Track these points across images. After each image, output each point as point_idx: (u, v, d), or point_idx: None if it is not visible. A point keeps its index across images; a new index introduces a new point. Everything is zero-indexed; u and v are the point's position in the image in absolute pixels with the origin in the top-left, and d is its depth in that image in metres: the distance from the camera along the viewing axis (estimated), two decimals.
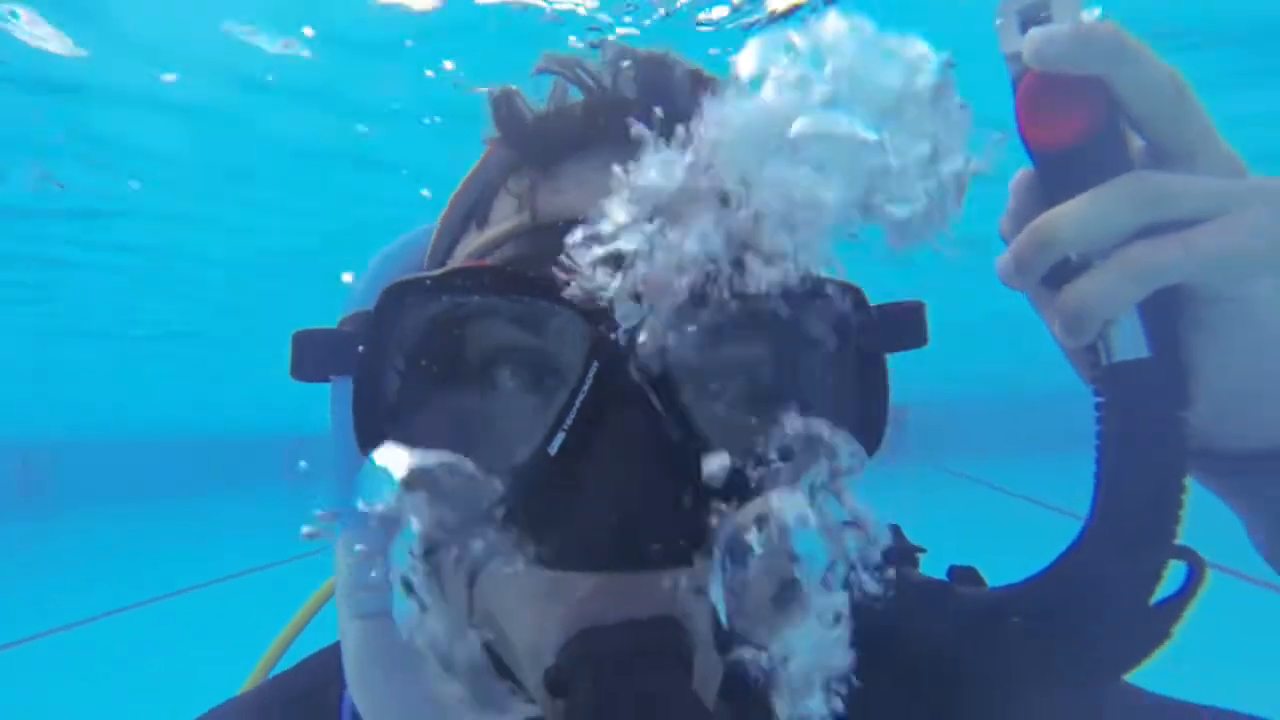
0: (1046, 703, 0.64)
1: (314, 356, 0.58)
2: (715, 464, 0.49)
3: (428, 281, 0.52)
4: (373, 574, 0.57)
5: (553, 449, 0.49)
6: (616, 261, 0.47)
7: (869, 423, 0.54)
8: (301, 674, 0.74)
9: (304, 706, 0.70)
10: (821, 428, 0.51)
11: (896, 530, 0.73)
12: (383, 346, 0.53)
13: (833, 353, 0.54)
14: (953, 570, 0.64)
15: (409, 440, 0.51)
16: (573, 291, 0.48)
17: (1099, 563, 0.53)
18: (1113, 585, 0.52)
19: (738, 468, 0.50)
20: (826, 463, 0.51)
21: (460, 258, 0.59)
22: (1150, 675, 0.62)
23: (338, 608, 0.60)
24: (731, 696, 0.57)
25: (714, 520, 0.50)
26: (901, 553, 0.69)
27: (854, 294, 0.53)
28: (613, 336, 0.48)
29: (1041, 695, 0.67)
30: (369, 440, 0.52)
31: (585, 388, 0.48)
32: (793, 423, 0.51)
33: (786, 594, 0.52)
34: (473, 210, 0.60)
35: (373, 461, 0.53)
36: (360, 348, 0.53)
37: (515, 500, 0.50)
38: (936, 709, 0.59)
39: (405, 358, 0.54)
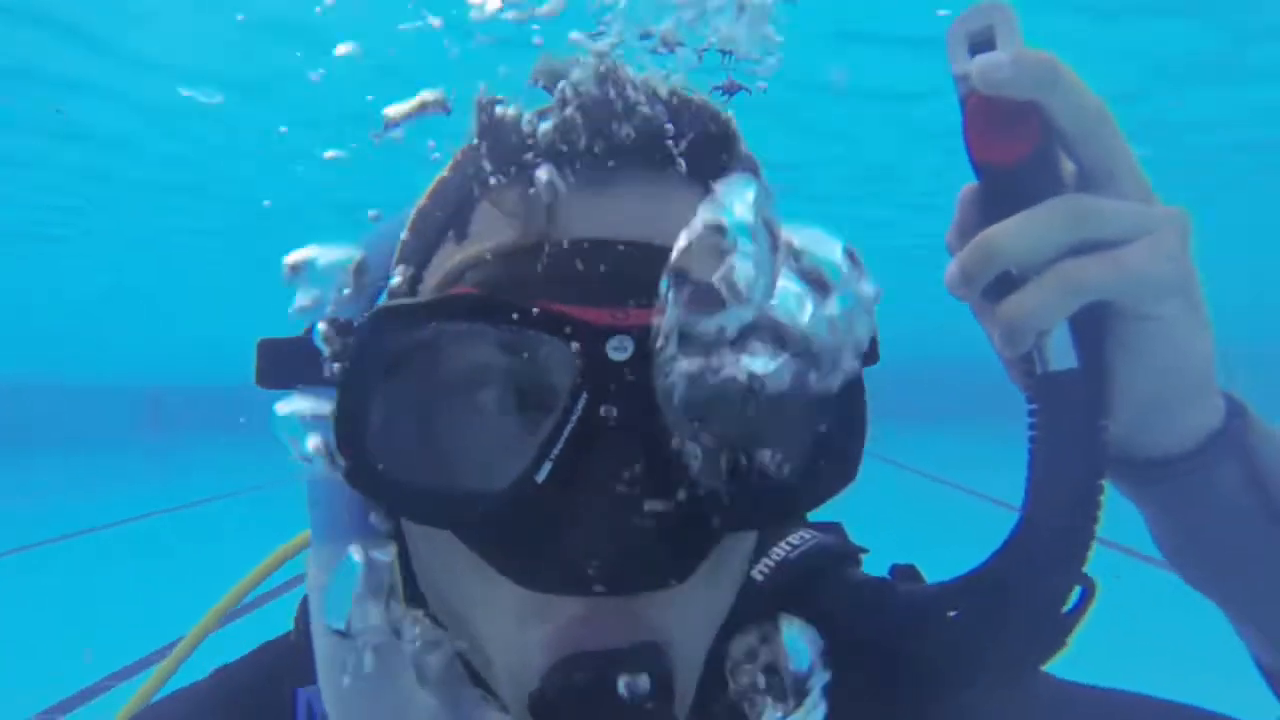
0: (980, 694, 0.67)
1: (281, 367, 0.57)
2: (697, 494, 0.50)
3: (418, 308, 0.52)
4: (344, 592, 0.56)
5: (540, 477, 0.49)
6: (646, 293, 0.49)
7: (848, 458, 0.55)
8: (250, 669, 0.72)
9: (255, 704, 0.68)
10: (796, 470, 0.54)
11: (839, 529, 0.77)
12: (366, 373, 0.51)
13: (822, 399, 0.54)
14: (894, 569, 0.68)
15: (392, 464, 0.51)
16: (571, 320, 0.49)
17: (1026, 562, 0.58)
18: (1034, 588, 0.57)
19: (719, 499, 0.51)
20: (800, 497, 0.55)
21: (439, 272, 0.56)
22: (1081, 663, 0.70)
23: (311, 624, 0.59)
24: (703, 711, 0.59)
25: (696, 546, 0.52)
26: (844, 553, 0.72)
27: (871, 355, 0.54)
28: (601, 370, 0.49)
29: (974, 686, 0.70)
30: (354, 470, 0.51)
31: (574, 417, 0.49)
32: (774, 462, 0.54)
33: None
34: (450, 220, 0.57)
35: (348, 484, 0.52)
36: (340, 371, 0.52)
37: (500, 523, 0.50)
38: (880, 703, 0.62)
39: (388, 382, 0.52)
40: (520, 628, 0.52)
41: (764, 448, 0.54)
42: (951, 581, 0.63)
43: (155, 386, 28.16)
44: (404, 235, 0.62)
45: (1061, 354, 0.58)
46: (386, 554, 0.57)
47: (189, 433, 24.51)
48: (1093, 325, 0.58)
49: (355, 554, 0.56)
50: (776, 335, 0.50)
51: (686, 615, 0.54)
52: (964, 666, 0.60)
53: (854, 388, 0.53)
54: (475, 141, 0.58)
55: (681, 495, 0.50)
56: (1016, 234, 0.54)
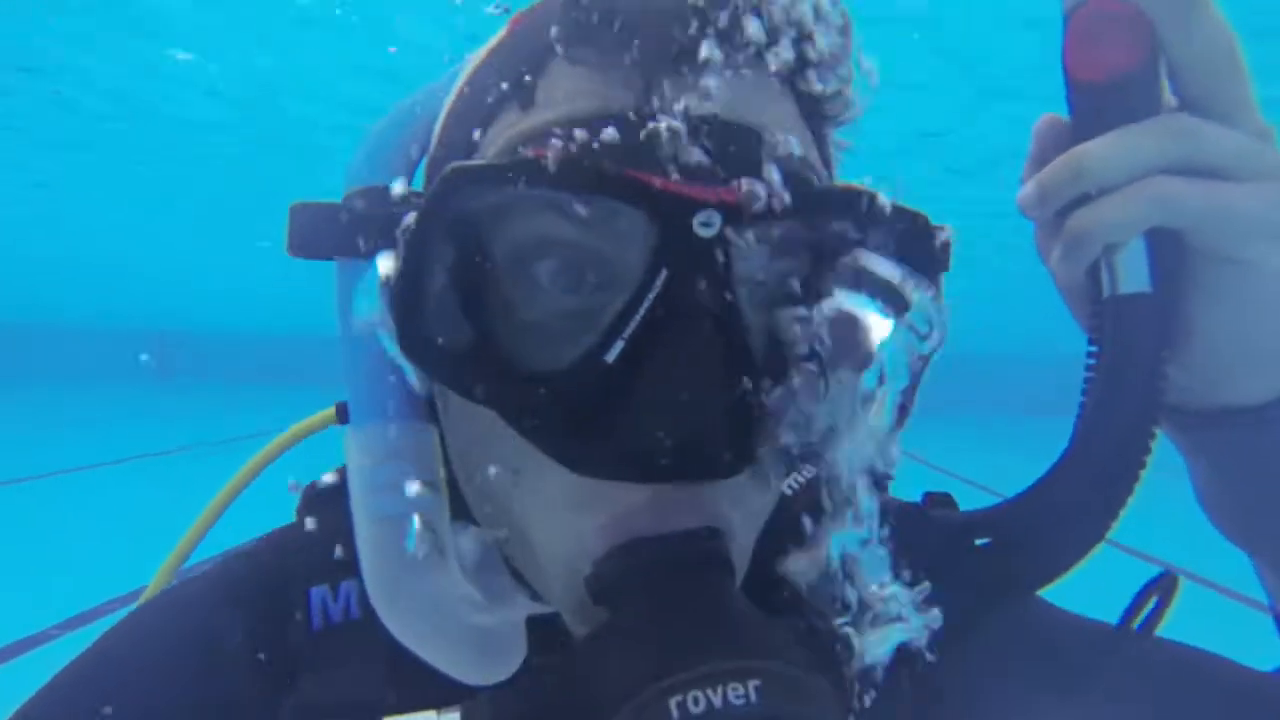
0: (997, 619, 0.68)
1: (318, 233, 0.53)
2: (769, 380, 0.49)
3: (495, 170, 0.47)
4: (390, 475, 0.54)
5: (609, 356, 0.47)
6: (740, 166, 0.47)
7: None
8: (258, 566, 0.68)
9: (267, 598, 0.65)
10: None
11: None
12: (430, 238, 0.48)
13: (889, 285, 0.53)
14: (927, 495, 0.67)
15: (451, 337, 0.49)
16: (657, 191, 0.46)
17: (1066, 493, 0.56)
18: (1074, 519, 0.56)
19: (788, 384, 0.50)
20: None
21: (500, 140, 0.52)
22: None
23: (353, 509, 0.56)
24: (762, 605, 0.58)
25: (763, 435, 0.50)
26: (874, 477, 0.72)
27: (924, 225, 0.52)
28: (685, 246, 0.46)
29: (992, 613, 0.71)
30: (411, 341, 0.49)
31: (652, 295, 0.46)
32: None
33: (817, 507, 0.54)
34: (514, 86, 0.52)
35: (406, 360, 0.50)
36: (405, 234, 0.49)
37: (561, 406, 0.48)
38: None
39: (453, 249, 0.49)
40: (575, 515, 0.50)
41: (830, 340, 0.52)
42: (985, 510, 0.61)
43: None
44: (450, 103, 0.58)
45: (1134, 275, 0.54)
46: (432, 436, 0.56)
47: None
48: (1172, 258, 0.54)
49: (401, 436, 0.55)
50: (859, 223, 0.49)
51: (740, 508, 0.52)
52: (987, 595, 0.59)
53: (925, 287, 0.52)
54: (540, 2, 0.54)
55: (749, 384, 0.48)
56: (1110, 150, 0.51)
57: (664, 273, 0.46)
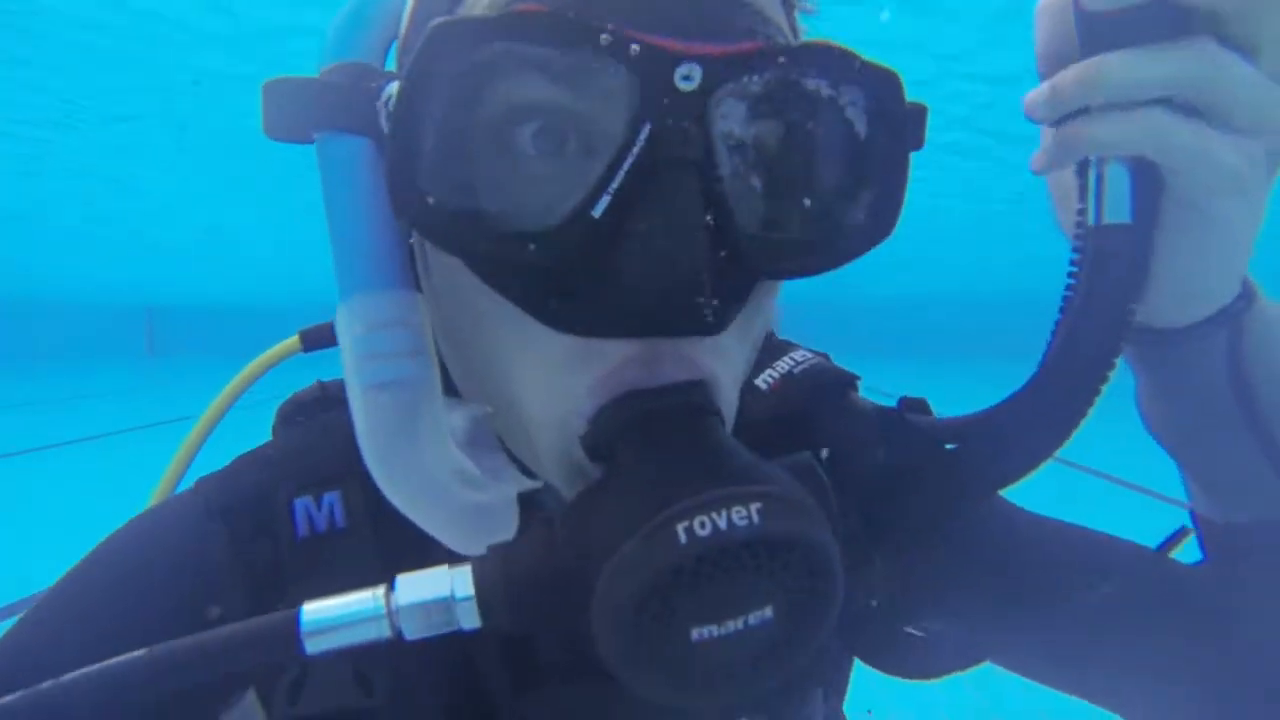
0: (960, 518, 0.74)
1: (298, 109, 0.54)
2: (748, 237, 0.51)
3: (483, 25, 0.47)
4: (383, 344, 0.54)
5: (596, 211, 0.47)
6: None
7: (888, 211, 0.55)
8: (234, 485, 0.67)
9: (248, 510, 0.64)
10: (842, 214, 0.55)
11: (827, 358, 0.80)
12: (418, 95, 0.48)
13: (865, 140, 0.54)
14: (903, 400, 0.69)
15: (442, 201, 0.49)
16: (640, 43, 0.46)
17: (1030, 408, 0.58)
18: (1031, 432, 0.58)
19: (767, 243, 0.52)
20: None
21: (485, 2, 0.51)
22: None
23: (346, 382, 0.55)
24: None
25: (740, 291, 0.53)
26: (844, 378, 0.75)
27: (895, 84, 0.53)
28: (667, 100, 0.47)
29: (957, 518, 0.76)
30: (405, 201, 0.49)
31: (636, 149, 0.47)
32: (818, 209, 0.54)
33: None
34: None
35: (399, 222, 0.51)
36: (389, 101, 0.50)
37: (550, 265, 0.49)
38: (877, 525, 0.62)
39: (441, 109, 0.49)
40: (565, 375, 0.51)
41: (813, 192, 0.54)
42: (957, 418, 0.64)
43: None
44: None
45: (1117, 207, 0.55)
46: (419, 303, 0.56)
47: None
48: (1151, 191, 0.55)
49: (389, 304, 0.54)
50: (833, 79, 0.51)
51: (723, 362, 0.54)
52: (953, 498, 0.62)
53: (897, 149, 0.54)
54: None
55: (734, 236, 0.50)
56: (1128, 67, 0.50)
57: (647, 127, 0.47)
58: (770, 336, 0.73)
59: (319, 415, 0.73)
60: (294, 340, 1.00)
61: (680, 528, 0.43)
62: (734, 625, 0.45)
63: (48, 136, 9.49)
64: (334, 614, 0.44)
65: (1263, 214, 0.55)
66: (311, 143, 0.56)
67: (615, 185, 0.47)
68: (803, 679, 0.67)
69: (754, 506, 0.44)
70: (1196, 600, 0.70)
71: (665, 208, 0.46)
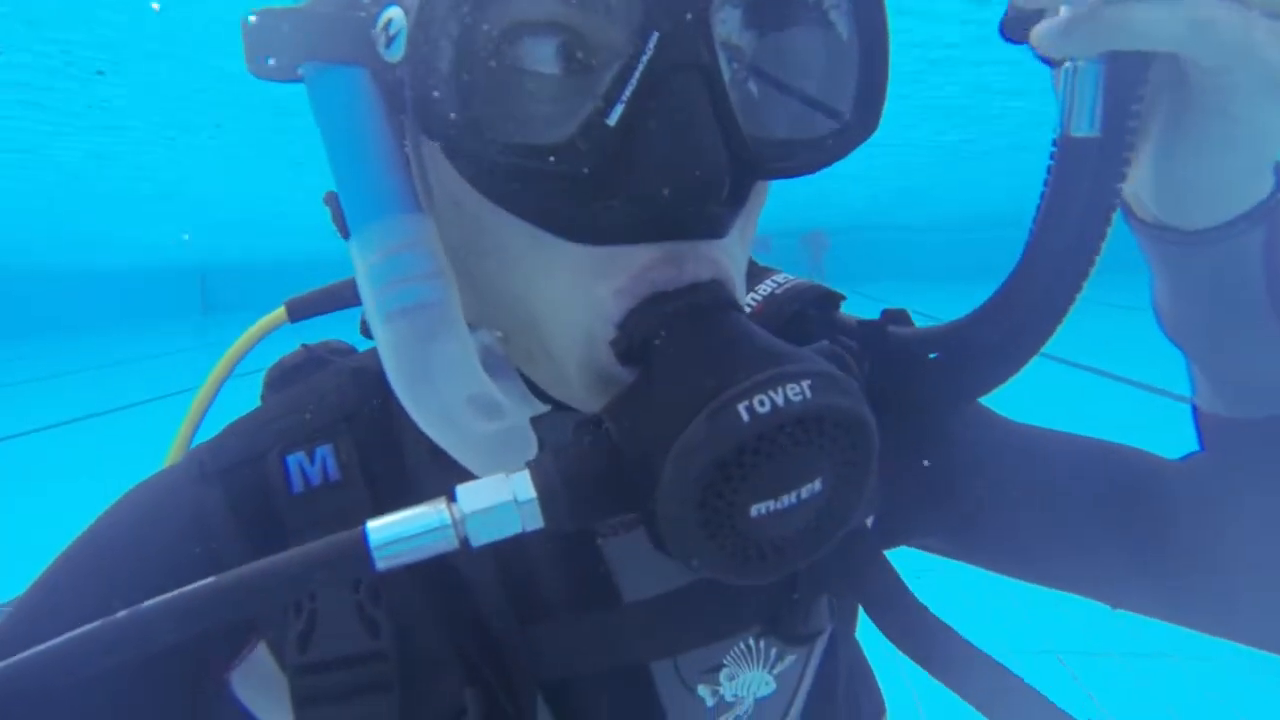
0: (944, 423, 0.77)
1: (284, 44, 0.53)
2: (751, 134, 0.51)
3: None
4: (401, 268, 0.54)
5: (611, 120, 0.48)
6: None
7: (872, 107, 0.56)
8: (227, 449, 0.67)
9: (243, 470, 0.64)
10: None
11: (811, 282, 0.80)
12: (439, 17, 0.48)
13: (849, 40, 0.55)
14: (885, 312, 0.70)
15: (463, 117, 0.49)
16: None
17: (1004, 321, 0.59)
18: (1007, 350, 0.60)
19: (766, 141, 0.53)
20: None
21: None
22: None
23: (367, 314, 0.55)
24: None
25: (743, 193, 0.54)
26: (828, 296, 0.77)
27: None
28: (673, 8, 0.48)
29: (944, 426, 0.78)
30: (431, 121, 0.50)
31: (645, 57, 0.48)
32: (814, 109, 0.56)
33: None
34: None
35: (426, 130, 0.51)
36: (392, 22, 0.51)
37: (568, 177, 0.49)
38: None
39: (459, 30, 0.49)
40: (589, 285, 0.52)
41: (804, 93, 0.56)
42: (936, 327, 0.65)
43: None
44: None
45: (1087, 120, 0.54)
46: (431, 225, 0.56)
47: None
48: (1135, 82, 0.53)
49: (400, 228, 0.54)
50: None
51: (734, 266, 0.56)
52: (937, 406, 0.64)
53: (878, 48, 0.55)
54: None
55: (738, 138, 0.50)
56: None
57: (654, 35, 0.48)
58: (751, 263, 0.74)
59: (306, 377, 0.74)
60: (280, 312, 1.01)
61: (742, 406, 0.45)
62: (789, 499, 0.47)
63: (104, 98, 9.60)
64: (399, 529, 0.45)
65: None
66: (298, 80, 0.55)
67: (628, 93, 0.48)
68: (807, 589, 0.69)
69: (805, 383, 0.46)
70: (1176, 489, 0.72)
71: (680, 112, 0.47)
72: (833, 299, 0.77)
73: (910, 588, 0.70)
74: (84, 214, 16.40)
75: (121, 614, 0.42)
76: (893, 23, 0.56)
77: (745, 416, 0.44)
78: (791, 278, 0.80)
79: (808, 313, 0.75)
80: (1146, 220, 0.62)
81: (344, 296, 0.95)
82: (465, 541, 0.46)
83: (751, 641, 0.71)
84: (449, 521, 0.46)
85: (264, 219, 17.62)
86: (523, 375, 0.62)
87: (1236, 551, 0.68)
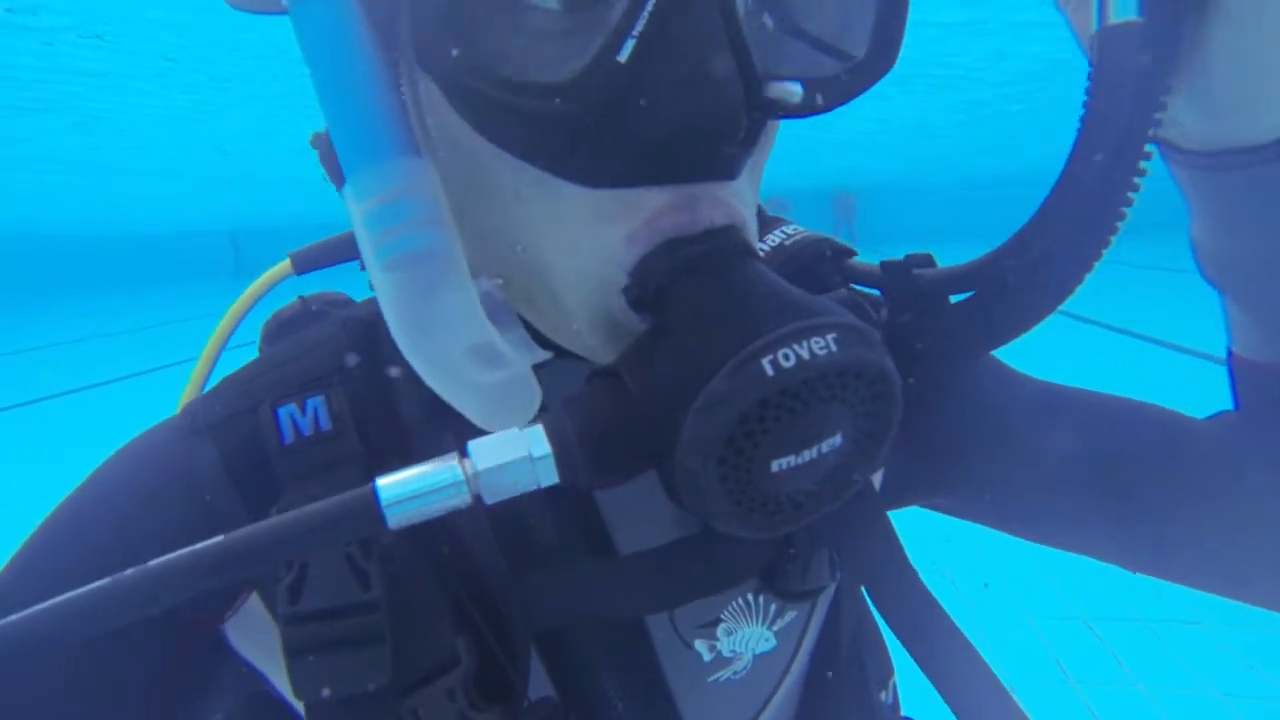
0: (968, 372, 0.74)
1: None
2: (765, 72, 0.49)
3: None
4: (399, 214, 0.51)
5: (623, 56, 0.45)
6: None
7: (891, 45, 0.54)
8: (220, 401, 0.66)
9: (233, 422, 0.63)
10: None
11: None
12: None
13: None
14: (909, 256, 0.66)
15: (466, 53, 0.47)
16: None
17: (1042, 243, 0.55)
18: (1047, 269, 0.55)
19: (780, 78, 0.50)
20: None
21: None
22: None
23: (365, 262, 0.53)
24: None
25: (755, 134, 0.52)
26: (841, 248, 0.74)
27: None
28: None
29: (964, 372, 0.76)
30: (431, 56, 0.48)
31: None
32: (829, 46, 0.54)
33: None
34: None
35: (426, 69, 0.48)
36: None
37: (576, 117, 0.47)
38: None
39: None
40: (600, 230, 0.50)
41: (819, 29, 0.54)
42: (964, 265, 0.61)
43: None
44: None
45: (1123, 5, 0.50)
46: (431, 169, 0.52)
47: None
48: None
49: (398, 172, 0.51)
50: None
51: (747, 210, 0.53)
52: (962, 353, 0.61)
53: None
54: None
55: (752, 76, 0.48)
56: None
57: None
58: (760, 211, 0.71)
59: (301, 330, 0.73)
60: (285, 264, 0.99)
61: (766, 361, 0.43)
62: (809, 454, 0.46)
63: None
64: (411, 486, 0.43)
65: None
66: (282, 12, 0.52)
67: (640, 28, 0.45)
68: (804, 544, 0.68)
69: (830, 336, 0.44)
70: (1202, 459, 0.69)
71: (695, 47, 0.45)
72: (846, 251, 0.74)
73: (908, 555, 0.68)
74: (118, 175, 16.60)
75: (129, 572, 0.40)
76: None
77: (770, 371, 0.43)
78: (801, 229, 0.77)
79: (821, 261, 0.72)
80: (1189, 148, 0.57)
81: (351, 248, 0.92)
82: (479, 498, 0.45)
83: (750, 597, 0.69)
84: (462, 478, 0.44)
85: (296, 178, 17.73)
86: (524, 321, 0.59)
87: (1264, 512, 0.65)
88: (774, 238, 0.75)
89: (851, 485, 0.50)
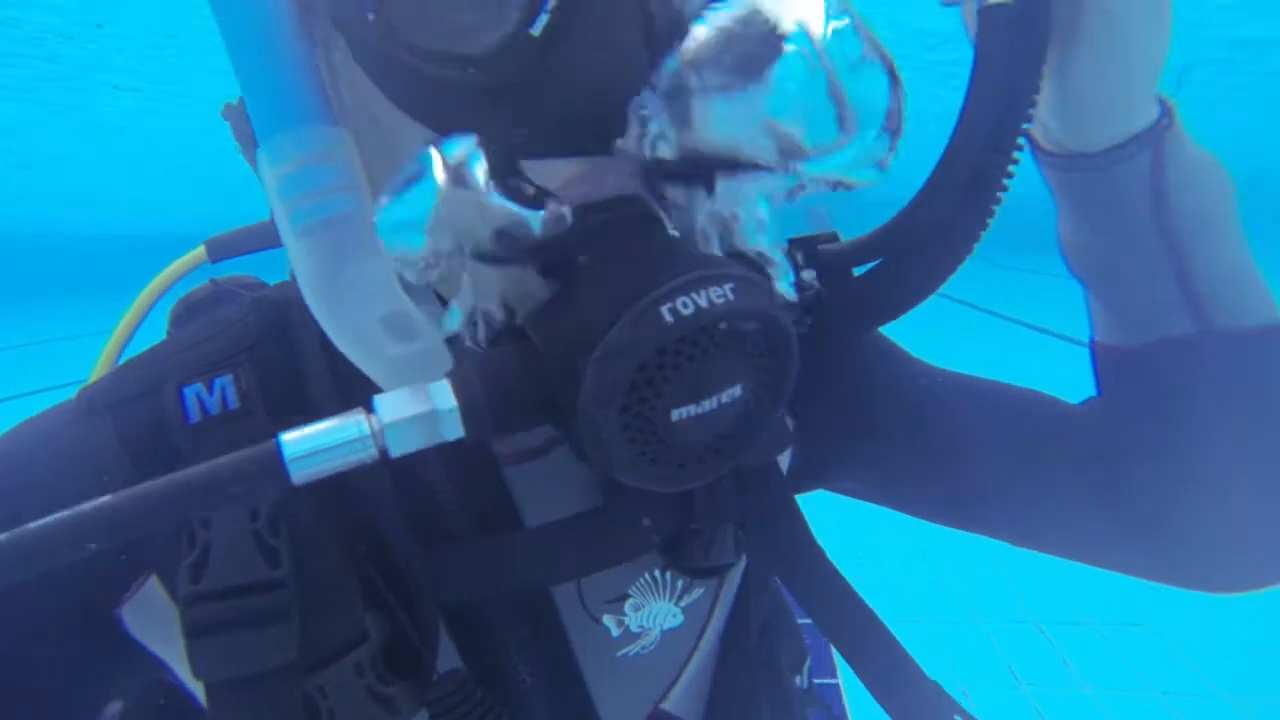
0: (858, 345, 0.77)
1: None
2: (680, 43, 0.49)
3: None
4: (313, 180, 0.51)
5: (536, 29, 0.46)
6: None
7: None
8: (119, 376, 0.64)
9: (134, 401, 0.61)
10: None
11: None
12: None
13: None
14: (818, 234, 0.69)
15: (382, 17, 0.47)
16: None
17: (931, 213, 0.59)
18: (945, 235, 0.59)
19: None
20: None
21: None
22: None
23: (279, 229, 0.52)
24: None
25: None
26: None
27: None
28: None
29: (860, 340, 0.78)
30: (348, 25, 0.48)
31: None
32: None
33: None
34: None
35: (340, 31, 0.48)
36: None
37: (488, 89, 0.48)
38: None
39: None
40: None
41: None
42: (863, 237, 0.64)
43: None
44: None
45: None
46: (347, 137, 0.53)
47: None
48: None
49: (313, 138, 0.51)
50: None
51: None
52: (861, 319, 0.63)
53: None
54: None
55: (664, 52, 0.48)
56: None
57: None
58: None
59: (211, 311, 0.72)
60: (199, 251, 0.96)
61: (665, 308, 0.44)
62: (709, 404, 0.47)
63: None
64: (315, 441, 0.42)
65: (1169, 33, 0.58)
66: None
67: (553, 3, 0.46)
68: (706, 519, 0.68)
69: (728, 286, 0.45)
70: (1082, 439, 0.74)
71: (604, 24, 0.46)
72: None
73: (814, 535, 0.71)
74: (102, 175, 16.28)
75: (31, 525, 0.39)
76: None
77: (669, 318, 0.44)
78: None
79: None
80: (1052, 150, 0.65)
81: (269, 236, 0.92)
82: (384, 452, 0.44)
83: (658, 573, 0.71)
84: (368, 432, 0.43)
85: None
86: (440, 296, 0.60)
87: (1128, 485, 0.70)
88: None
89: (753, 437, 0.51)
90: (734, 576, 0.79)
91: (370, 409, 0.45)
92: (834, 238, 0.68)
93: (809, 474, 0.81)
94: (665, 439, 0.47)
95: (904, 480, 0.81)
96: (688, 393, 0.46)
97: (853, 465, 0.82)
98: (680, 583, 0.73)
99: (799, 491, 0.77)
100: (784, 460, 0.79)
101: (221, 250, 0.96)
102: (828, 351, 0.67)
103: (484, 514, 0.66)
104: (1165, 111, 0.62)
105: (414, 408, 0.45)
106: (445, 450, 0.47)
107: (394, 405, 0.45)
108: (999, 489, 0.76)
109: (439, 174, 0.45)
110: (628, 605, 0.71)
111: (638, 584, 0.71)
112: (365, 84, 0.52)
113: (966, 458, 0.77)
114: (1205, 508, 0.68)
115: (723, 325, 0.45)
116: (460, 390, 0.46)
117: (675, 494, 0.64)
